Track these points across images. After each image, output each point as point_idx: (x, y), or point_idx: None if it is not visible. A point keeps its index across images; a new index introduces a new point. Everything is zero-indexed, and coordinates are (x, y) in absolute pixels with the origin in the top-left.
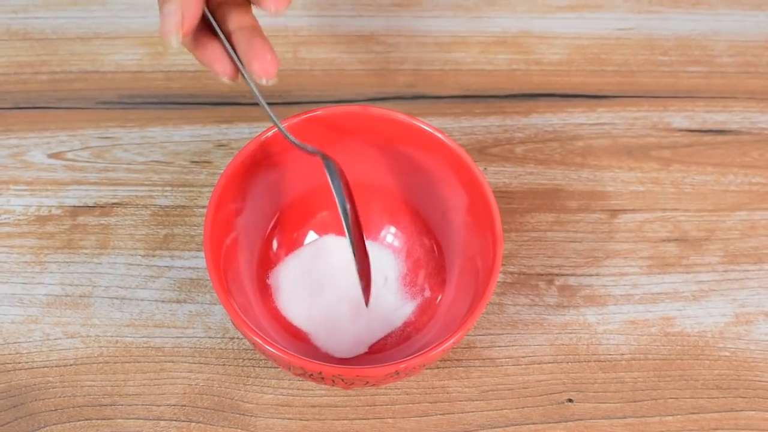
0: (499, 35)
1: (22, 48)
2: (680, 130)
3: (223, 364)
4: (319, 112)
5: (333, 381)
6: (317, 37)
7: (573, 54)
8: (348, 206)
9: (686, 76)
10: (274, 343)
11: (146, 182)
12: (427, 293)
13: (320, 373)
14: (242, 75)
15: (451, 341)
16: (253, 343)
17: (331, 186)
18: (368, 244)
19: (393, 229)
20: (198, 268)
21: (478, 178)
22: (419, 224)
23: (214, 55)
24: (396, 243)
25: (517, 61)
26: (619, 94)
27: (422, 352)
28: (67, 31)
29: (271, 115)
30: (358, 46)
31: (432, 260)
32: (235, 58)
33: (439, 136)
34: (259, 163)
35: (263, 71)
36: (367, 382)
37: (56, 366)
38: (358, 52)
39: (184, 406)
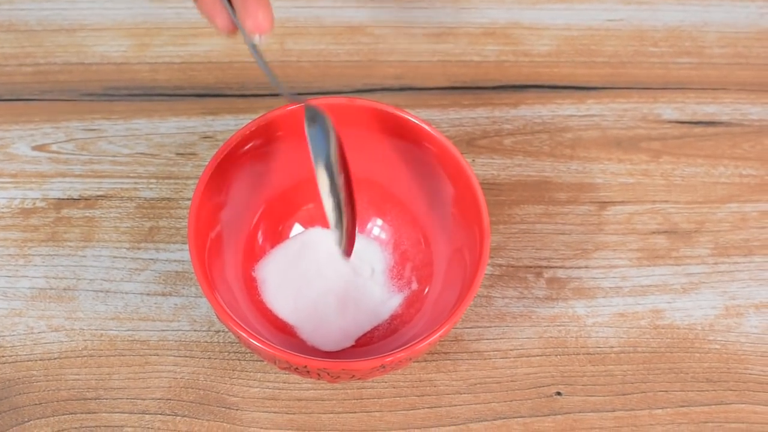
0: (488, 26)
1: (6, 40)
2: (670, 122)
3: (209, 358)
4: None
5: (318, 374)
6: (304, 29)
7: (562, 45)
8: (332, 151)
9: (676, 68)
10: (258, 337)
11: (131, 174)
12: (415, 286)
13: (305, 366)
14: (241, 31)
15: (438, 334)
16: (238, 337)
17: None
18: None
19: (380, 222)
20: (183, 260)
21: (464, 169)
22: (406, 216)
23: (215, 8)
24: (383, 235)
25: (506, 52)
26: (608, 85)
27: (408, 345)
28: (51, 22)
29: (267, 70)
30: (345, 38)
31: (419, 252)
32: (232, 15)
33: (426, 127)
34: (244, 155)
35: (255, 27)
36: (353, 376)
37: (40, 360)
38: (345, 43)
39: (170, 399)
